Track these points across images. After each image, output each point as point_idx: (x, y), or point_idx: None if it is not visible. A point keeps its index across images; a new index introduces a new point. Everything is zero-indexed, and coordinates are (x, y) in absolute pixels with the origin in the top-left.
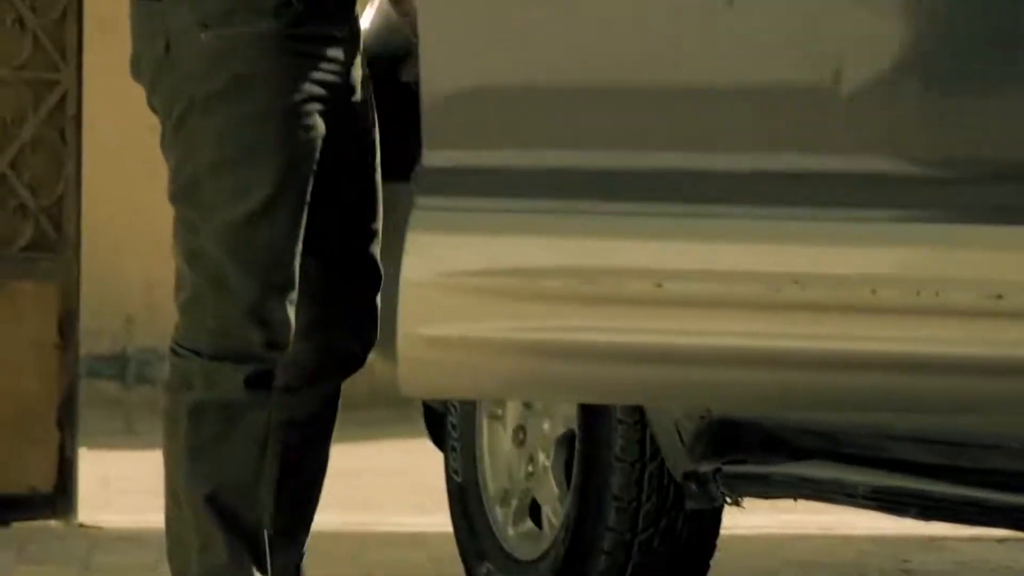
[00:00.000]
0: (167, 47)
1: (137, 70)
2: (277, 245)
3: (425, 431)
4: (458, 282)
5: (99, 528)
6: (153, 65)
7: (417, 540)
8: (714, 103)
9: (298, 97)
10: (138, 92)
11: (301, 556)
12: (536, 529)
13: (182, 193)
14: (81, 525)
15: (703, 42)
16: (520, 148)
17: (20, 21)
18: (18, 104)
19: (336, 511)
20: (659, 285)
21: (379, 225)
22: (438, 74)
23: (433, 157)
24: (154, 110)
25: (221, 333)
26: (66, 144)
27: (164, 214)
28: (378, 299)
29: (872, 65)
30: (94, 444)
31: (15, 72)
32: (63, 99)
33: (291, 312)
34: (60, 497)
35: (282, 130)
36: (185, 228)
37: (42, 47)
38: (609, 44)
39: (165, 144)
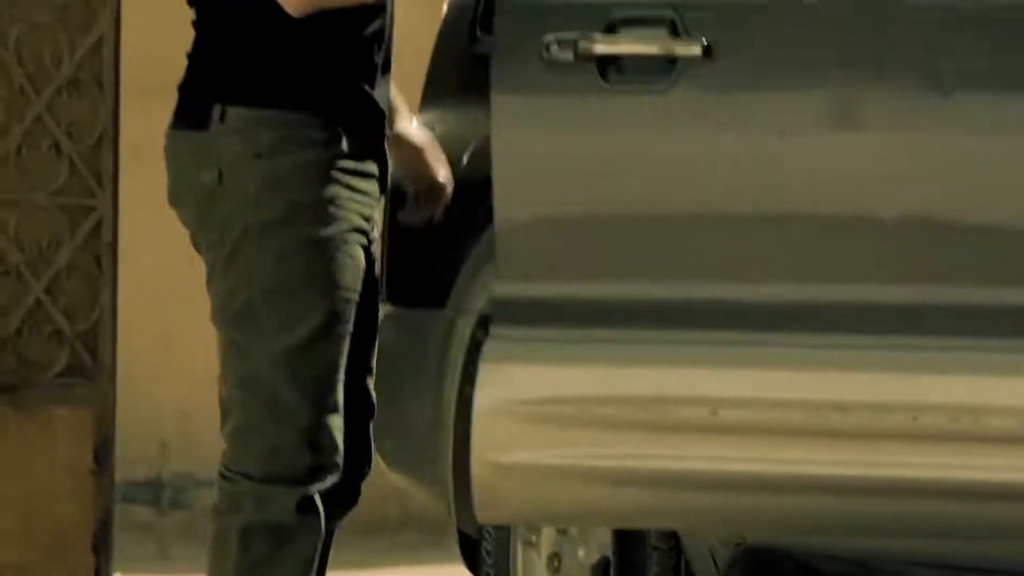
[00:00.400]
0: (219, 177)
1: (179, 199)
2: (329, 370)
3: (459, 556)
4: (528, 410)
5: None
6: (202, 195)
7: None
8: (764, 234)
9: (345, 226)
10: (174, 219)
11: None
12: None
13: (235, 320)
14: None
15: (754, 174)
16: (585, 279)
17: (56, 146)
18: (54, 230)
19: None
20: (714, 413)
21: (375, 358)
22: (510, 208)
23: (505, 288)
24: (197, 246)
25: (274, 457)
26: (102, 271)
27: (199, 342)
28: (371, 430)
29: (914, 196)
30: (128, 569)
31: (51, 198)
32: (99, 225)
33: (339, 437)
34: None
35: (334, 257)
36: (236, 354)
37: (78, 173)
38: (665, 178)
39: (216, 272)
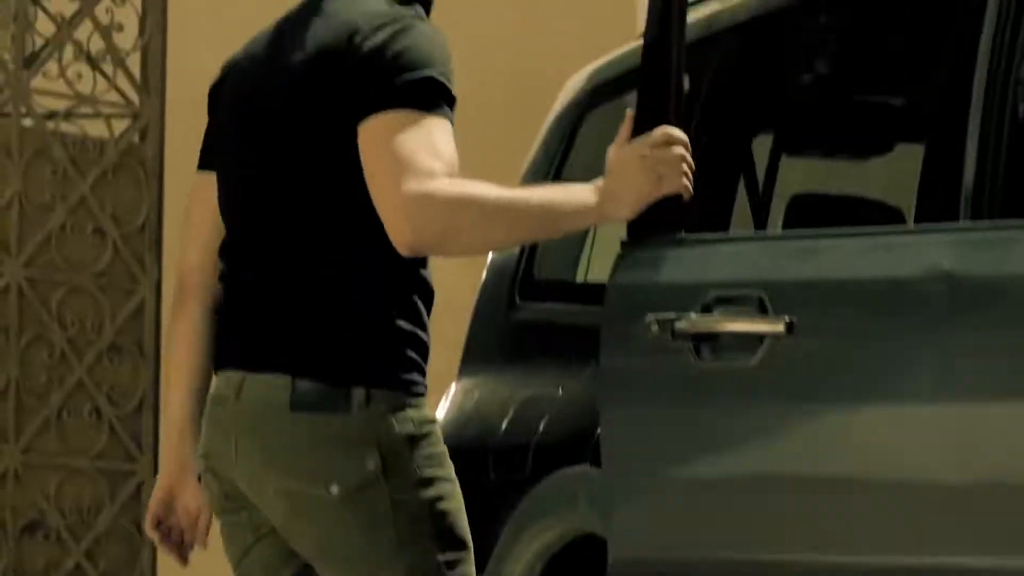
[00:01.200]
0: (383, 461)
1: (304, 475)
2: None
3: None
4: None
5: None
6: (359, 479)
7: None
8: (848, 504)
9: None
10: None
11: None
12: None
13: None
14: None
15: (839, 446)
16: (687, 550)
17: (97, 411)
18: (94, 494)
19: None
20: None
21: None
22: (618, 479)
23: (616, 554)
24: (311, 520)
25: None
26: (141, 535)
27: None
28: None
29: (988, 460)
30: None
31: (91, 462)
32: (139, 489)
33: None
34: None
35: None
36: None
37: (118, 437)
38: (755, 450)
39: (384, 545)
